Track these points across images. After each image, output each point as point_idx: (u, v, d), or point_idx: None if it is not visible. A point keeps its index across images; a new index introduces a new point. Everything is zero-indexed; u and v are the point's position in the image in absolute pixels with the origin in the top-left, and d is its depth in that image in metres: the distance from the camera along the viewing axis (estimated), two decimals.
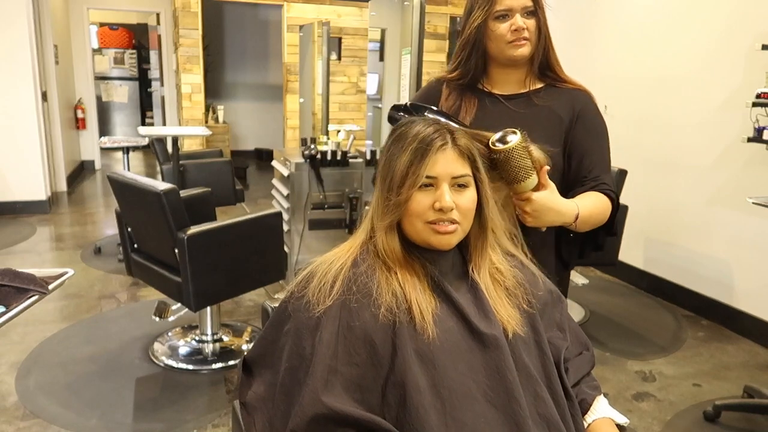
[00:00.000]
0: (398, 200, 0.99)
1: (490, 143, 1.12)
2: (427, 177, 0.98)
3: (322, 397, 0.91)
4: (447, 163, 0.99)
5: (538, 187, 1.17)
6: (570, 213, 1.23)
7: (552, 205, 1.19)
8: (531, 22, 1.31)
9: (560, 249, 1.44)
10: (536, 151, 1.15)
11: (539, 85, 1.40)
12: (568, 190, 1.36)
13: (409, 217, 1.00)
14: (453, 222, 1.00)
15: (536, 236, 1.25)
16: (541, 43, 1.34)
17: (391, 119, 1.22)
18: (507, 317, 1.02)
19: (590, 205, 1.28)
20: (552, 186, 1.19)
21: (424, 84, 3.66)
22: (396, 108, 1.24)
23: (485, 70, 1.40)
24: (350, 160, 3.51)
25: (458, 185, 1.01)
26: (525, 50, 1.32)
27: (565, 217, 1.22)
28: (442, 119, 1.13)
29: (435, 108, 1.22)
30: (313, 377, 0.93)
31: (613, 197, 1.34)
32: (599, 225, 1.33)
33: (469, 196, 1.02)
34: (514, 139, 1.11)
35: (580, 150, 1.36)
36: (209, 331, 2.87)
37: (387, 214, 1.01)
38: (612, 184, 1.37)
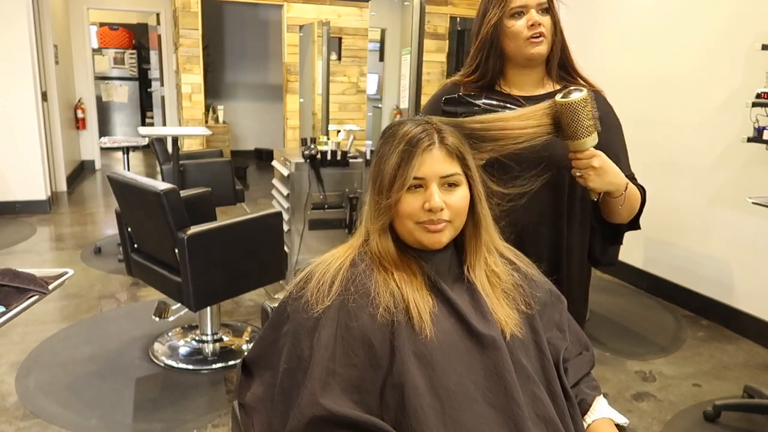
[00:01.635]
0: (388, 203, 0.99)
1: (556, 99, 1.14)
2: (415, 178, 0.98)
3: (320, 399, 0.91)
4: (434, 163, 0.99)
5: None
6: (623, 179, 1.25)
7: (612, 164, 1.21)
8: (546, 19, 1.30)
9: (593, 247, 1.46)
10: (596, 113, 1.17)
11: (557, 87, 1.40)
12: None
13: (400, 219, 1.01)
14: (444, 221, 1.00)
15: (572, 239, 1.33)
16: (558, 40, 1.34)
17: (446, 113, 1.23)
18: (505, 318, 1.02)
19: (632, 186, 1.30)
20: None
21: (424, 84, 3.66)
22: (447, 103, 1.27)
23: (502, 71, 1.39)
24: (350, 160, 3.51)
25: (448, 184, 1.01)
26: (542, 48, 1.31)
27: (620, 181, 1.23)
28: (494, 101, 1.21)
29: (490, 95, 1.25)
30: (311, 379, 0.92)
31: (642, 192, 1.37)
32: (631, 215, 1.34)
33: (460, 195, 1.02)
34: (579, 95, 1.12)
35: (608, 153, 1.38)
36: (209, 331, 2.87)
37: (379, 216, 1.01)
38: (636, 180, 1.40)
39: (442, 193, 0.99)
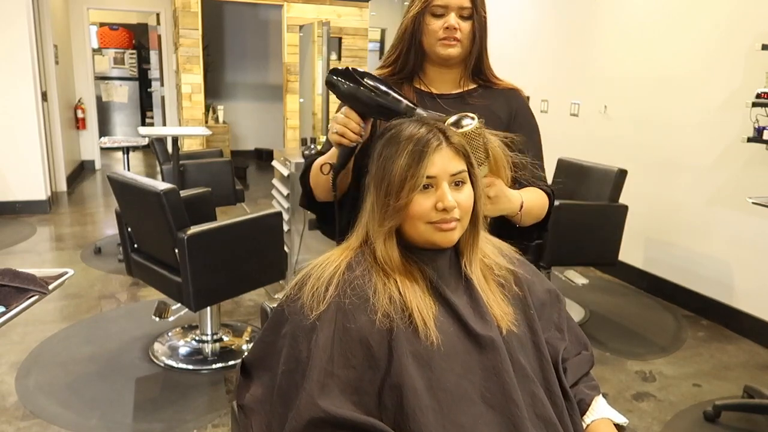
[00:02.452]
0: (399, 205, 0.98)
1: (445, 124, 1.08)
2: (428, 177, 0.98)
3: (318, 400, 0.91)
4: (444, 161, 0.99)
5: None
6: (517, 201, 1.25)
7: (505, 191, 1.21)
8: (466, 25, 1.31)
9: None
10: (494, 141, 1.14)
11: (473, 86, 1.41)
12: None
13: (410, 220, 1.00)
14: (455, 220, 1.00)
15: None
16: (475, 46, 1.34)
17: (330, 84, 1.18)
18: (501, 314, 1.02)
19: (532, 198, 1.31)
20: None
21: None
22: (334, 72, 1.18)
23: (422, 66, 1.39)
24: None
25: (455, 183, 1.01)
26: (453, 51, 1.32)
27: (514, 205, 1.24)
28: (383, 87, 1.13)
29: (375, 75, 1.18)
30: (309, 381, 0.92)
31: (550, 193, 1.38)
32: (539, 219, 1.35)
33: (468, 193, 1.02)
34: (471, 123, 1.09)
35: (518, 149, 1.39)
36: (209, 331, 2.87)
37: (387, 219, 0.99)
38: (546, 180, 1.41)
39: (451, 192, 0.99)
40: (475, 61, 1.37)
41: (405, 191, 0.97)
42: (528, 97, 1.50)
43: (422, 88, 1.39)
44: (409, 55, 1.36)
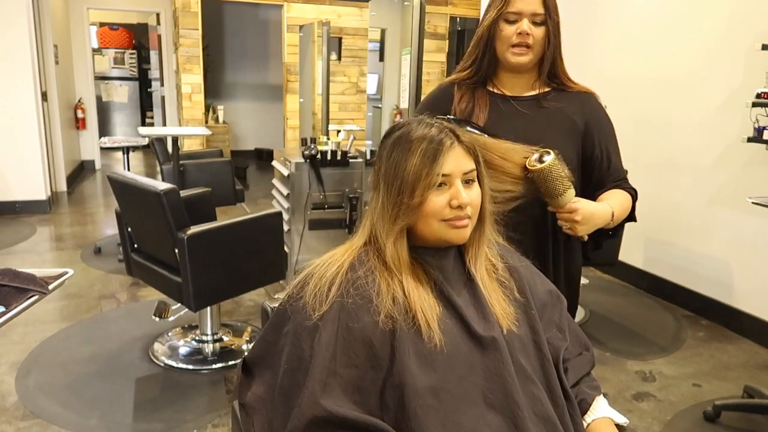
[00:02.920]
0: (413, 203, 0.99)
1: (528, 164, 1.22)
2: (442, 176, 0.99)
3: (320, 399, 0.91)
4: (457, 160, 1.00)
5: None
6: (607, 213, 1.30)
7: (593, 209, 1.26)
8: (539, 31, 1.33)
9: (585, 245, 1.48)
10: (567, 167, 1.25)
11: (546, 89, 1.43)
12: (591, 191, 1.41)
13: (424, 218, 1.00)
14: (467, 216, 1.01)
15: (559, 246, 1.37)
16: (549, 52, 1.37)
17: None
18: (502, 312, 1.02)
19: (618, 203, 1.35)
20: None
21: (424, 84, 3.67)
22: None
23: (495, 71, 1.43)
24: (350, 160, 3.51)
25: (466, 181, 1.02)
26: (523, 59, 1.35)
27: (606, 217, 1.29)
28: (476, 131, 1.21)
29: (473, 123, 1.28)
30: (311, 379, 0.92)
31: (633, 194, 1.41)
32: (622, 219, 1.38)
33: (477, 192, 1.03)
34: (550, 157, 1.20)
35: (600, 153, 1.42)
36: (209, 331, 2.87)
37: (400, 218, 1.00)
38: (627, 180, 1.45)
39: (464, 189, 1.01)
40: (549, 66, 1.40)
41: (420, 189, 0.98)
42: (605, 106, 1.54)
43: (496, 91, 1.43)
44: (483, 61, 1.40)
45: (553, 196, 1.24)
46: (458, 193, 0.99)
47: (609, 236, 1.41)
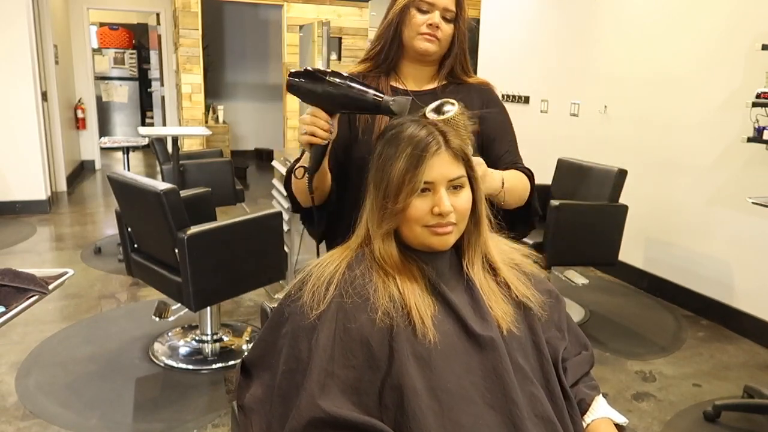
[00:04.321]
0: (396, 208, 0.98)
1: (426, 113, 1.07)
2: (424, 183, 0.98)
3: (318, 400, 0.91)
4: (442, 166, 0.99)
5: None
6: (498, 178, 1.26)
7: (486, 167, 1.20)
8: (448, 27, 1.34)
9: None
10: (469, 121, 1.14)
11: (444, 82, 1.44)
12: None
13: (407, 223, 1.00)
14: (451, 224, 1.00)
15: None
16: (453, 51, 1.38)
17: (292, 87, 1.16)
18: (501, 314, 1.02)
19: (512, 177, 1.32)
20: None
21: None
22: (295, 75, 1.16)
23: (399, 63, 1.42)
24: None
25: (453, 187, 1.01)
26: (431, 46, 1.34)
27: (496, 182, 1.25)
28: (348, 81, 1.11)
29: (337, 71, 1.16)
30: (309, 380, 0.92)
31: (530, 174, 1.39)
32: (522, 201, 1.36)
33: (465, 197, 1.02)
34: (453, 109, 1.07)
35: (493, 140, 1.42)
36: (209, 331, 2.87)
37: (384, 221, 1.00)
38: (524, 164, 1.43)
39: (448, 196, 0.99)
40: (453, 64, 1.40)
41: (403, 195, 0.97)
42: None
43: (397, 85, 1.42)
44: (391, 49, 1.38)
45: None
46: (440, 201, 0.98)
47: (522, 218, 1.39)
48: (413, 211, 0.99)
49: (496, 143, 1.42)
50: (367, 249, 1.04)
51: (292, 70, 1.16)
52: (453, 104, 1.07)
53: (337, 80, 1.12)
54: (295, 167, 1.27)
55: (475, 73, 1.49)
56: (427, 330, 0.96)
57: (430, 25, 1.32)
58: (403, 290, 0.99)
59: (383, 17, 1.40)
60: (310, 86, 1.13)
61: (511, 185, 1.29)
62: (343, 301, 0.98)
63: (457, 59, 1.40)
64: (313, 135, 1.15)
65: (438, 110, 1.07)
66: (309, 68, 1.15)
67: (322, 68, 1.15)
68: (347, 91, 1.12)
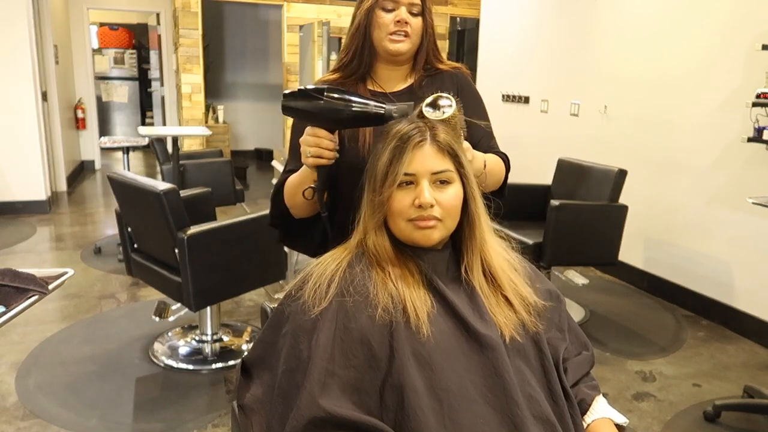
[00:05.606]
0: (380, 199, 0.99)
1: (423, 110, 1.06)
2: (406, 174, 0.98)
3: (319, 400, 0.91)
4: (425, 159, 0.99)
5: None
6: (481, 159, 1.26)
7: (474, 152, 1.21)
8: (416, 21, 1.33)
9: None
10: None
11: (418, 76, 1.43)
12: None
13: (392, 216, 1.01)
14: (434, 218, 1.00)
15: None
16: (425, 44, 1.38)
17: (288, 110, 1.14)
18: (504, 320, 1.02)
19: (492, 160, 1.33)
20: None
21: None
22: (289, 97, 1.12)
23: (372, 67, 1.40)
24: None
25: (440, 181, 1.01)
26: (402, 46, 1.33)
27: (479, 162, 1.24)
28: (346, 96, 1.09)
29: (332, 87, 1.14)
30: (310, 380, 0.92)
31: (506, 159, 1.40)
32: (498, 185, 1.37)
33: (452, 193, 1.01)
34: (449, 104, 1.06)
35: (469, 126, 1.41)
36: (209, 331, 2.87)
37: (373, 213, 1.01)
38: (499, 149, 1.43)
39: (433, 190, 0.99)
40: (426, 57, 1.40)
41: (386, 186, 0.98)
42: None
43: (375, 89, 1.41)
44: (363, 55, 1.36)
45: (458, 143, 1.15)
46: (421, 193, 0.98)
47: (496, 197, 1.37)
48: (396, 203, 0.99)
49: (471, 128, 1.40)
50: (366, 245, 1.04)
51: (286, 92, 1.13)
52: (448, 98, 1.07)
53: (335, 96, 1.09)
54: (297, 184, 1.24)
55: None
56: (422, 324, 0.96)
57: (398, 22, 1.31)
58: (398, 284, 0.99)
59: (350, 24, 1.39)
60: (308, 107, 1.11)
61: (491, 167, 1.30)
62: (343, 300, 0.98)
63: (429, 50, 1.40)
64: (320, 157, 1.13)
65: (434, 105, 1.06)
66: (302, 88, 1.12)
67: (314, 86, 1.13)
68: (347, 107, 1.09)
